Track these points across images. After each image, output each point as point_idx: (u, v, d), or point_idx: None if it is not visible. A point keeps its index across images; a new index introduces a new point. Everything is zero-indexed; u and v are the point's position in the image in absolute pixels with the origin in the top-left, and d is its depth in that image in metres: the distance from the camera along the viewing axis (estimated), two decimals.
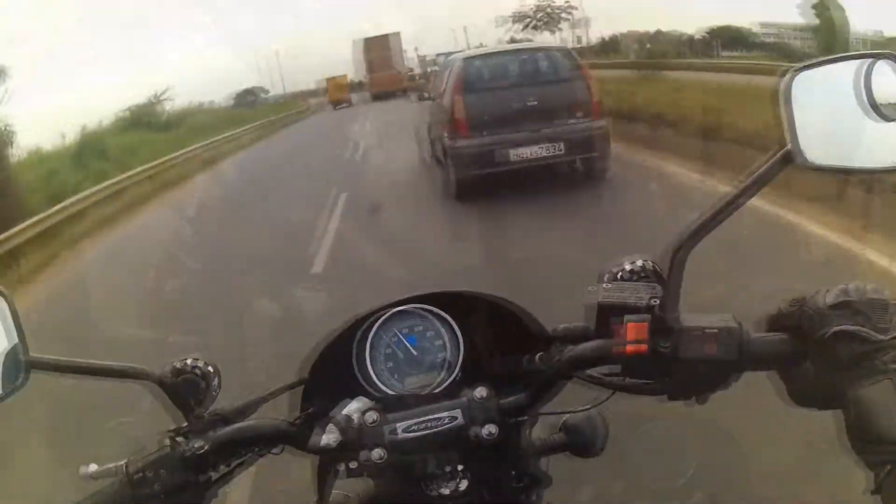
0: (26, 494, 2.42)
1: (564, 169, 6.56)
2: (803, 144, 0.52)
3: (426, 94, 9.37)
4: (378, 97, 37.68)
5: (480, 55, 7.90)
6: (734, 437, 2.09)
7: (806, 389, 0.58)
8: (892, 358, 0.51)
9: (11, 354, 0.62)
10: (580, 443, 0.72)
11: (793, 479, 2.02)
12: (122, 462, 0.65)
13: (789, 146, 0.52)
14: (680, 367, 0.59)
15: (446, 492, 0.66)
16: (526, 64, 7.04)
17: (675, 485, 1.88)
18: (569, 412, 0.72)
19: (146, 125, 15.01)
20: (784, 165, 0.53)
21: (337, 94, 42.24)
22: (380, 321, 0.74)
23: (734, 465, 2.08)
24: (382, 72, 39.44)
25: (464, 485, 0.67)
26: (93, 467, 0.66)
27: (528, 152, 6.31)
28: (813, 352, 0.55)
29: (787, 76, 0.53)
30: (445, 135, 6.59)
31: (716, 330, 0.58)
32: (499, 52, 8.19)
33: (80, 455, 0.73)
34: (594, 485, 1.72)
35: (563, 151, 6.35)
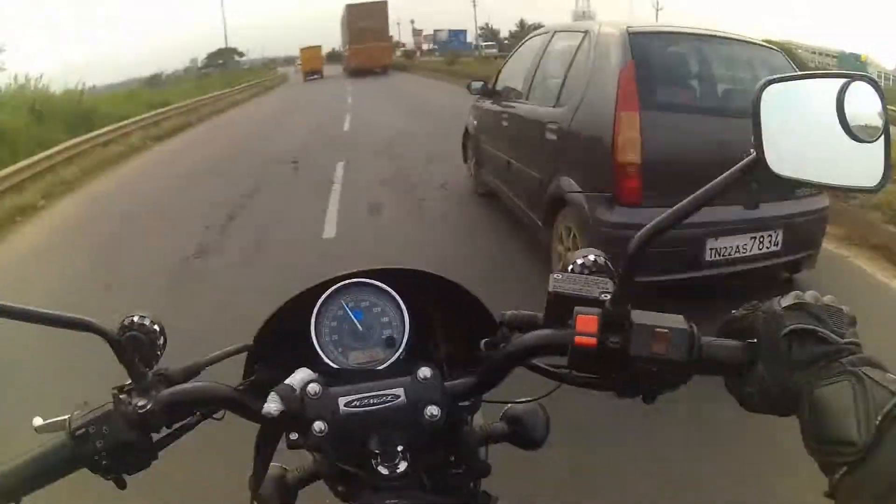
0: None
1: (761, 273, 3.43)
2: (768, 153, 0.52)
3: (487, 85, 5.35)
4: (356, 73, 32.95)
5: (659, 33, 3.55)
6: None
7: (759, 395, 0.55)
8: (848, 360, 0.50)
9: None
10: (522, 434, 0.75)
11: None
12: (67, 416, 0.63)
13: (755, 153, 0.53)
14: (629, 364, 0.57)
15: (385, 471, 0.64)
16: (739, 71, 3.57)
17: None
18: (514, 402, 0.74)
19: None
20: (749, 172, 0.53)
21: (309, 65, 38.32)
22: (327, 293, 0.71)
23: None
24: (364, 44, 34.72)
25: (403, 466, 0.64)
26: (39, 421, 0.64)
27: (734, 247, 3.22)
28: (767, 354, 0.54)
29: (758, 87, 0.54)
30: (578, 189, 3.37)
31: (667, 329, 0.56)
32: (695, 35, 3.61)
33: (33, 409, 0.67)
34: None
35: (779, 248, 3.33)
